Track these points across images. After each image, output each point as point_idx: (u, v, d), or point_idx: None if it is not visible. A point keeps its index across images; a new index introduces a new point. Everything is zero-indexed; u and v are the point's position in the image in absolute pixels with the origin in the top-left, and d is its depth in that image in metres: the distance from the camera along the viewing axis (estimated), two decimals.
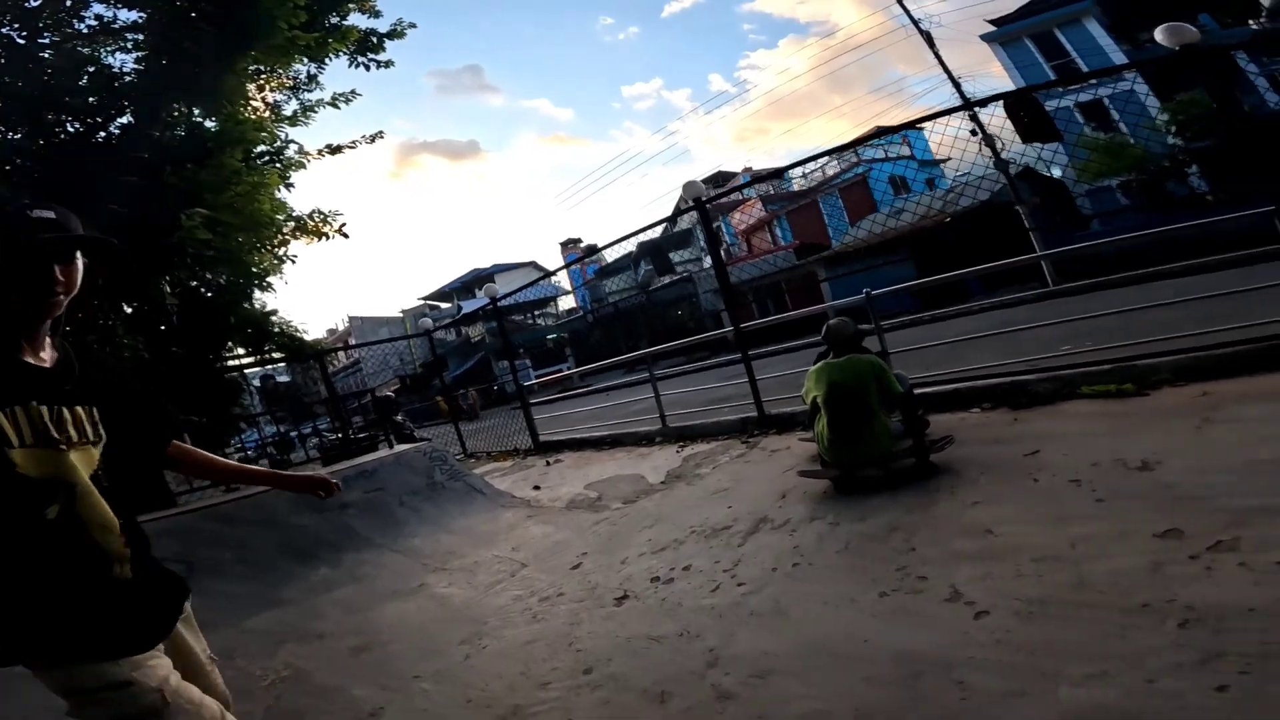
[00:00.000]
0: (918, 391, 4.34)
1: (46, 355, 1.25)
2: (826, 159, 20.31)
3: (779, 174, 26.60)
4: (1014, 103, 6.58)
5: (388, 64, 7.14)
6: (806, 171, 29.45)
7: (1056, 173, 20.16)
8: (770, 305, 23.91)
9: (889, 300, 5.63)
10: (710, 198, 6.70)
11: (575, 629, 2.64)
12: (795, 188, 30.11)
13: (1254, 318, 4.10)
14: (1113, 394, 3.98)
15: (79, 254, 1.22)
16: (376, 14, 7.04)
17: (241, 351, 8.18)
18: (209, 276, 6.98)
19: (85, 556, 1.18)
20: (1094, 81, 18.21)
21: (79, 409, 1.27)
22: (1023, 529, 2.52)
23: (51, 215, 1.16)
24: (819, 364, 3.64)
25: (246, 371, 8.48)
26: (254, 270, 7.77)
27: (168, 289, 6.28)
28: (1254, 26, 20.75)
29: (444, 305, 45.63)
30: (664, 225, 24.29)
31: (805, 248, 24.69)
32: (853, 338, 3.65)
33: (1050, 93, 18.09)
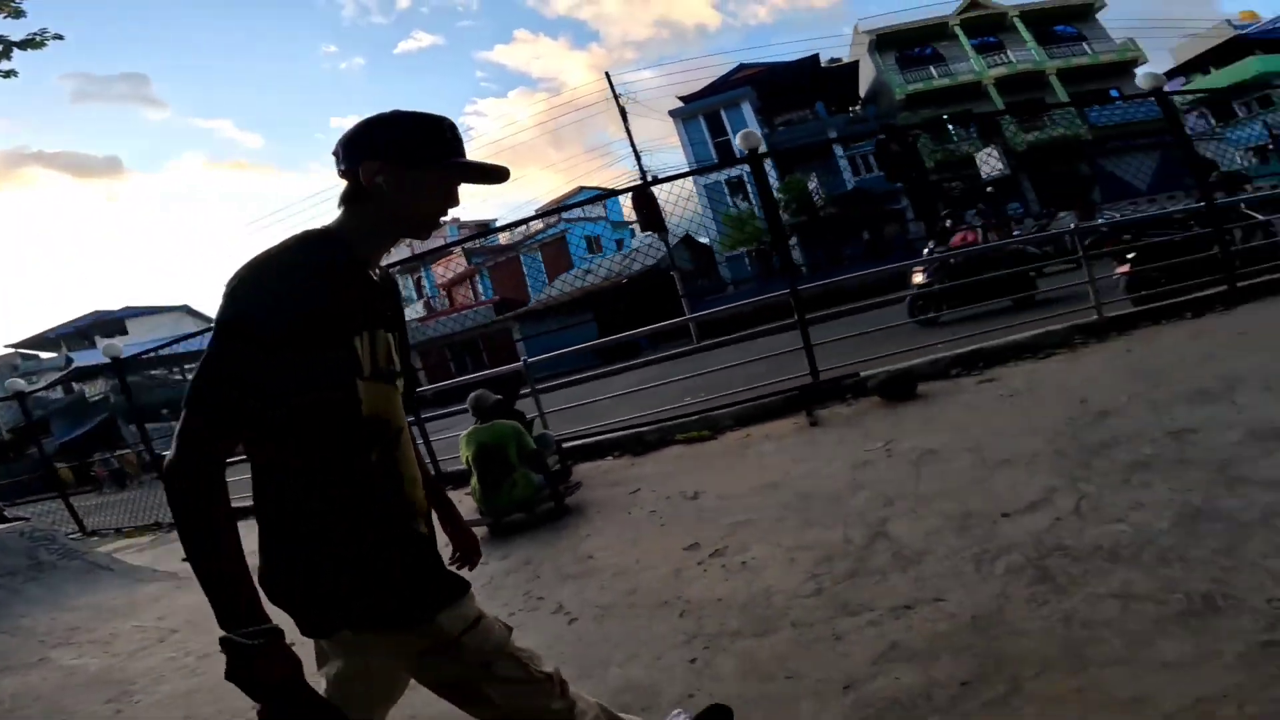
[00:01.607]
0: (567, 445, 5.14)
1: (376, 272, 1.12)
2: (536, 220, 21.91)
3: (485, 234, 27.27)
4: (636, 196, 8.23)
5: (9, 74, 6.15)
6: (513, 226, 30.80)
7: (705, 240, 24.69)
8: (468, 361, 23.93)
9: (571, 358, 6.47)
10: (414, 256, 7.05)
11: None
12: (501, 241, 31.35)
13: (788, 372, 5.45)
14: (695, 439, 5.17)
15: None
16: (20, 14, 5.97)
17: None
18: None
19: (398, 510, 1.07)
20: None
21: (390, 336, 1.12)
22: (611, 553, 3.20)
23: (458, 131, 1.06)
24: (469, 430, 4.26)
25: None
26: None
27: None
28: (851, 114, 27.68)
29: (46, 355, 35.66)
30: None
31: (505, 303, 25.55)
32: (493, 407, 4.29)
33: (710, 164, 21.51)
